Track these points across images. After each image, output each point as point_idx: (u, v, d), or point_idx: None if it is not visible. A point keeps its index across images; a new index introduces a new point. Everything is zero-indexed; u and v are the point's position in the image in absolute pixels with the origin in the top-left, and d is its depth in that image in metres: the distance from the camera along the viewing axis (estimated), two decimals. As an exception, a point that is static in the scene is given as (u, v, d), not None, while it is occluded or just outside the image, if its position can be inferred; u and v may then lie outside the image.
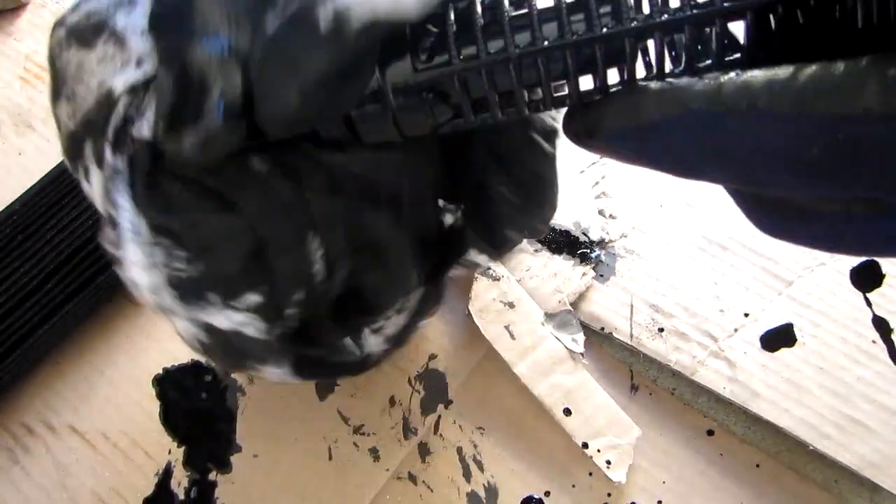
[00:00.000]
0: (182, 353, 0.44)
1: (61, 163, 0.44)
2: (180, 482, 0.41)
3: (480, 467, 0.41)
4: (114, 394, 0.44)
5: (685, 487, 0.39)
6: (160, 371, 0.44)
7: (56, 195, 0.42)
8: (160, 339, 0.45)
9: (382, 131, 0.24)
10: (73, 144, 0.26)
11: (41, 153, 0.52)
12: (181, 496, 0.41)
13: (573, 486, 0.40)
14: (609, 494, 0.39)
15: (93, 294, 0.43)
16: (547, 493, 0.40)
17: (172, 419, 0.43)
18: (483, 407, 0.42)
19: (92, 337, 0.45)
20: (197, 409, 0.43)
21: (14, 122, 0.54)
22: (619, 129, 0.20)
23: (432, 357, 0.43)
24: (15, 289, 0.41)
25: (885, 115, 0.16)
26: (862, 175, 0.17)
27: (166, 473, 0.41)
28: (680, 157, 0.20)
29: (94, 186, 0.26)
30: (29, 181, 0.46)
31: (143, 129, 0.24)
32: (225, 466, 0.41)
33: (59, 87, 0.26)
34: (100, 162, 0.25)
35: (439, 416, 0.42)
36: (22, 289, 0.41)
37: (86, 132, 0.25)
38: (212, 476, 0.41)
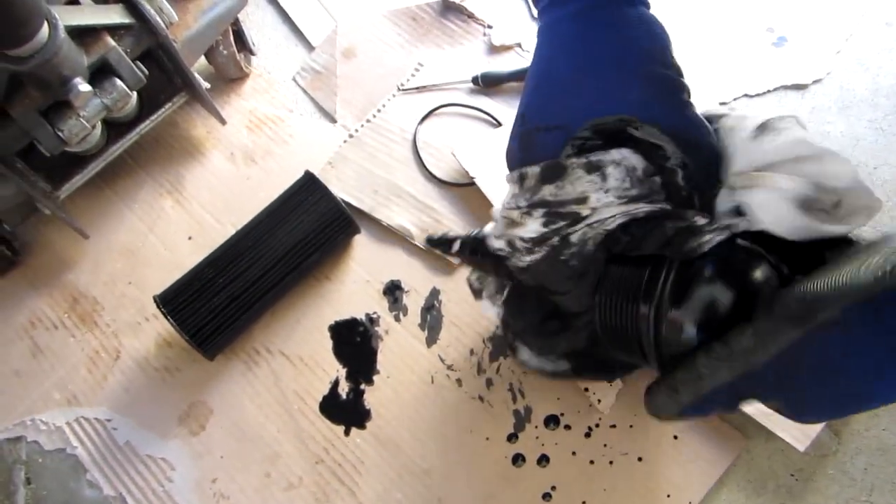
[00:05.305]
0: (345, 314, 0.72)
1: (287, 188, 0.73)
2: (343, 389, 0.69)
3: (522, 395, 0.66)
4: (306, 334, 0.72)
5: (642, 421, 0.63)
6: (333, 322, 0.72)
7: (285, 210, 0.71)
8: (333, 305, 0.73)
9: None
10: None
11: (262, 179, 0.82)
12: (343, 397, 0.69)
13: (578, 411, 0.65)
14: (599, 419, 0.64)
15: (300, 273, 0.71)
16: (562, 414, 0.65)
17: (339, 351, 0.71)
18: (528, 360, 0.68)
19: (295, 298, 0.74)
20: (354, 345, 0.71)
21: (243, 156, 0.84)
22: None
23: (498, 326, 0.69)
24: (258, 268, 0.70)
25: None
26: None
27: (335, 383, 0.69)
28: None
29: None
30: (254, 198, 0.76)
31: None
32: (370, 381, 0.69)
33: None
34: None
35: (500, 363, 0.68)
36: (262, 267, 0.70)
37: None
38: (362, 386, 0.69)
